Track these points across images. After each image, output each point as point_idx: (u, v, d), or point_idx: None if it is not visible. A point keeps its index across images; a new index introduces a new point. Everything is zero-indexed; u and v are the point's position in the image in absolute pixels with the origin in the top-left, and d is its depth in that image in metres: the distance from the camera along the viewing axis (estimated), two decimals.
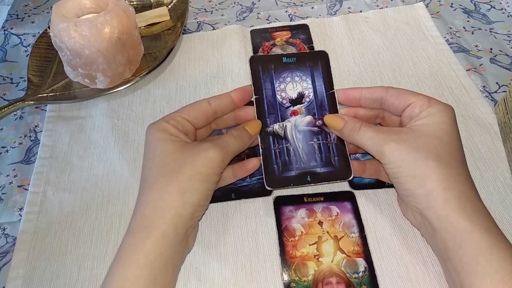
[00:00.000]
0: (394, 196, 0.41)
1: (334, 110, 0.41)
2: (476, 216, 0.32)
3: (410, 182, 0.34)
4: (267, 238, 0.39)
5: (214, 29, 0.58)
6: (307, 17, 0.59)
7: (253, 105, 0.41)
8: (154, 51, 0.53)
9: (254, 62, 0.42)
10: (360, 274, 0.36)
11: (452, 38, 0.55)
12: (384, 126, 0.41)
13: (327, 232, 0.39)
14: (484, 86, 0.49)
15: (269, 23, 0.58)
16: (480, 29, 0.56)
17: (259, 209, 0.41)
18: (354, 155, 0.43)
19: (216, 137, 0.38)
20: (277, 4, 0.61)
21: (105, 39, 0.45)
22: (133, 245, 0.32)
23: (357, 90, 0.40)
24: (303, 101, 0.41)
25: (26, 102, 0.48)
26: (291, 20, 0.59)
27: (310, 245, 0.38)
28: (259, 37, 0.55)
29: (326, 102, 0.41)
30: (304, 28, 0.56)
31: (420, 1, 0.59)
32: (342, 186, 0.42)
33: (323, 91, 0.41)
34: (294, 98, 0.41)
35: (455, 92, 0.49)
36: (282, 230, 0.39)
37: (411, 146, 0.34)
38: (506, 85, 0.49)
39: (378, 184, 0.41)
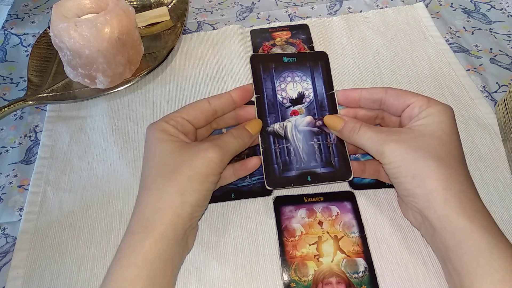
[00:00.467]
0: (394, 196, 0.41)
1: (334, 111, 0.41)
2: (476, 216, 0.32)
3: (410, 182, 0.34)
4: (267, 238, 0.39)
5: (214, 29, 0.58)
6: (307, 17, 0.59)
7: (253, 104, 0.41)
8: (154, 51, 0.53)
9: (255, 60, 0.42)
10: (360, 274, 0.36)
11: (452, 38, 0.55)
12: (384, 127, 0.41)
13: (327, 232, 0.39)
14: (484, 86, 0.49)
15: (269, 23, 0.58)
16: (480, 29, 0.56)
17: (259, 209, 0.41)
18: (354, 156, 0.43)
19: (216, 137, 0.38)
20: (277, 4, 0.61)
21: (105, 39, 0.45)
22: (132, 245, 0.32)
23: (356, 91, 0.40)
24: (303, 101, 0.41)
25: (26, 102, 0.48)
26: (291, 20, 0.59)
27: (310, 245, 0.38)
28: (259, 37, 0.55)
29: (326, 103, 0.41)
30: (304, 28, 0.56)
31: (420, 1, 0.59)
32: (342, 186, 0.42)
33: (323, 91, 0.41)
34: (294, 98, 0.41)
35: (455, 92, 0.49)
36: (282, 230, 0.39)
37: (410, 146, 0.34)
38: (506, 85, 0.49)
39: (378, 184, 0.41)
